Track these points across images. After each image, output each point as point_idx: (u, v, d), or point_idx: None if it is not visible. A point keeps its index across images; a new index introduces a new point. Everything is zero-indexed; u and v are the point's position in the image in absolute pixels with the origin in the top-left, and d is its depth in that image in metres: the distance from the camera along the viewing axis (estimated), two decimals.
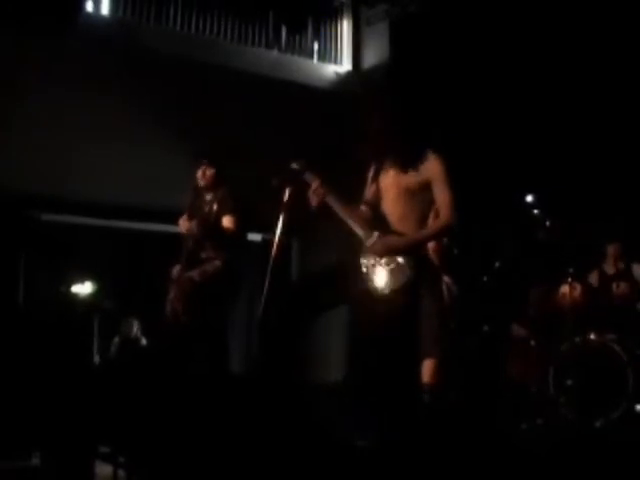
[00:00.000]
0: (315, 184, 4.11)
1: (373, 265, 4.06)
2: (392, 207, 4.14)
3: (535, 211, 5.86)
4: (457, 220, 4.04)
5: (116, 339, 7.31)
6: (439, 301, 4.18)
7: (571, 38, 7.04)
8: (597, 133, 6.93)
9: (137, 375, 4.60)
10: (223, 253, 5.66)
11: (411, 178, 4.07)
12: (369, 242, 4.05)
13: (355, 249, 4.15)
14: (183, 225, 5.67)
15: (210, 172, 5.72)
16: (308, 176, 4.17)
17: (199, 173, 5.72)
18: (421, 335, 4.02)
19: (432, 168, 4.04)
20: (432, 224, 4.09)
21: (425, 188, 4.05)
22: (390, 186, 4.15)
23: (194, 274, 5.65)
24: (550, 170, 6.95)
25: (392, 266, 4.02)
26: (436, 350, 4.04)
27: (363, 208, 4.22)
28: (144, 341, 7.27)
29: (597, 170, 6.82)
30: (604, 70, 6.95)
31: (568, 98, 7.10)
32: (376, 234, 4.07)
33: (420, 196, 4.07)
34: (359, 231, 4.11)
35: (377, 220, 4.15)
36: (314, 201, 4.10)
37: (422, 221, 4.11)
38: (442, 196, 4.02)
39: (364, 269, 4.08)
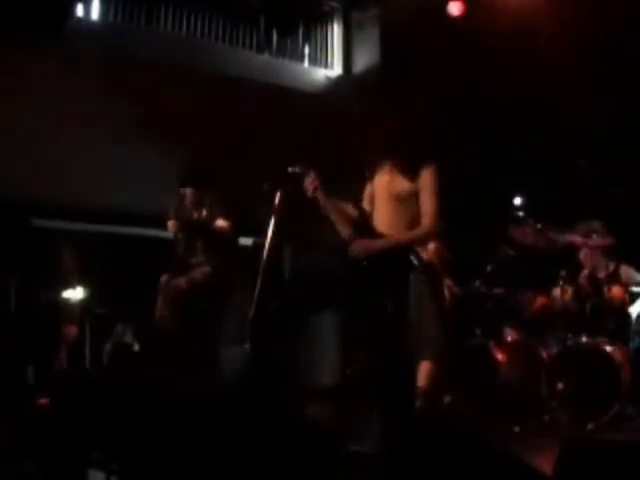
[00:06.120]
0: (311, 176, 4.16)
1: None
2: (382, 212, 4.19)
3: (525, 214, 5.87)
4: (439, 230, 4.11)
5: (108, 345, 7.27)
6: (440, 303, 4.21)
7: (560, 44, 7.06)
8: (584, 136, 6.96)
9: (130, 381, 4.58)
10: (214, 258, 5.67)
11: (404, 185, 4.11)
12: (350, 240, 4.11)
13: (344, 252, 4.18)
14: (173, 226, 5.70)
15: (189, 192, 5.79)
16: (302, 168, 4.22)
17: (183, 198, 5.80)
18: (419, 336, 4.03)
19: (423, 177, 4.09)
20: (414, 230, 4.13)
21: (415, 195, 4.10)
22: (382, 191, 4.19)
23: (182, 281, 5.66)
24: (539, 173, 6.98)
25: None
26: (435, 352, 4.06)
27: (353, 211, 4.25)
28: (136, 347, 7.25)
29: (585, 172, 6.84)
30: (590, 79, 6.98)
31: (557, 101, 7.13)
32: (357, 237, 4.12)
33: (409, 203, 4.11)
34: (342, 230, 4.15)
35: (368, 225, 4.18)
36: (310, 190, 4.16)
37: (411, 227, 4.13)
38: (428, 205, 4.08)
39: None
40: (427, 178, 4.10)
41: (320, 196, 4.17)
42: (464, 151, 7.12)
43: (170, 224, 5.73)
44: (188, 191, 5.82)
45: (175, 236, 5.78)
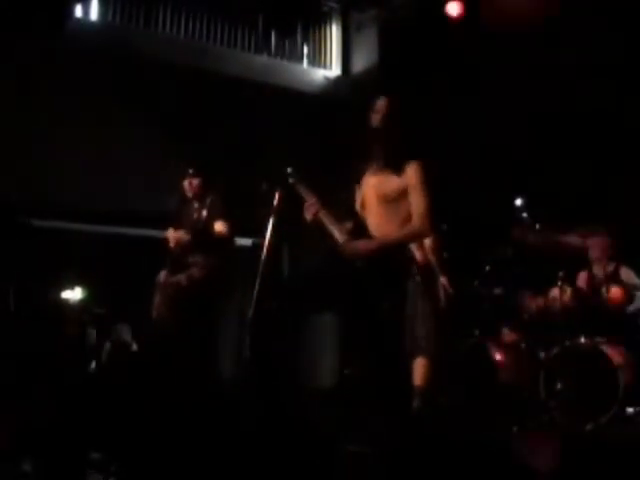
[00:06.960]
0: (311, 200, 4.17)
1: None
2: (373, 215, 4.18)
3: (525, 215, 5.88)
4: (430, 228, 4.09)
5: (107, 345, 7.28)
6: (435, 301, 4.21)
7: (562, 44, 7.08)
8: (584, 136, 6.97)
9: (129, 381, 4.59)
10: (211, 258, 5.68)
11: (392, 186, 4.10)
12: (344, 244, 4.12)
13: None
14: (172, 237, 5.71)
15: (196, 182, 5.80)
16: (304, 191, 4.23)
17: (186, 183, 5.81)
18: (414, 335, 4.04)
19: (411, 175, 4.07)
20: (403, 229, 4.11)
21: (404, 194, 4.08)
22: (371, 194, 4.18)
23: (181, 278, 5.66)
24: (538, 174, 6.98)
25: None
26: (429, 351, 4.06)
27: (349, 225, 4.26)
28: (135, 347, 7.26)
29: (585, 173, 6.85)
30: (589, 76, 6.99)
31: (554, 101, 7.14)
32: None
33: (400, 203, 4.10)
34: (339, 237, 4.16)
35: (363, 230, 4.19)
36: (308, 216, 4.17)
37: (403, 226, 4.12)
38: (417, 204, 4.06)
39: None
40: (414, 176, 4.07)
41: (322, 216, 4.18)
42: (464, 150, 7.12)
43: (169, 235, 5.74)
44: (195, 181, 5.81)
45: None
